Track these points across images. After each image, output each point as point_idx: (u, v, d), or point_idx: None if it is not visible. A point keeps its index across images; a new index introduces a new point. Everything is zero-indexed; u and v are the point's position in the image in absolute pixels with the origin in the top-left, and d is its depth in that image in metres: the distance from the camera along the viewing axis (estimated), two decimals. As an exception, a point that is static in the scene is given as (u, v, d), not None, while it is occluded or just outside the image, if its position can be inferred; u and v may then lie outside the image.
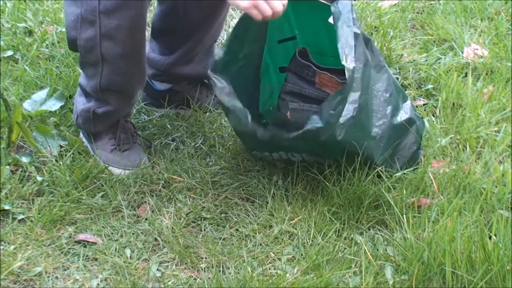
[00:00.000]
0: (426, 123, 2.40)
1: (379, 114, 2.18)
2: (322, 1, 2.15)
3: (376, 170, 2.18)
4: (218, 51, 2.21)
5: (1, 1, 3.16)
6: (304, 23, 2.36)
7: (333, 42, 2.13)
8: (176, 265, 1.99)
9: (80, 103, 2.32)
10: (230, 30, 2.48)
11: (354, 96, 2.07)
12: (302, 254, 2.01)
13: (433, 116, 2.56)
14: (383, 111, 2.19)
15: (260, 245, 2.05)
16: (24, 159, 2.27)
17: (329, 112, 2.06)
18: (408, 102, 2.30)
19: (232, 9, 2.92)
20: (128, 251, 2.02)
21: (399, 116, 2.23)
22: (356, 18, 2.12)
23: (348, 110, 2.07)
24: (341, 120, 2.06)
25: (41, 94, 2.52)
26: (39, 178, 2.20)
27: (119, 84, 2.24)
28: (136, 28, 2.14)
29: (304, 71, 2.25)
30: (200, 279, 1.93)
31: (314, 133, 2.07)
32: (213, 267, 1.96)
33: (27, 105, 2.47)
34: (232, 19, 3.08)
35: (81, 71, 2.30)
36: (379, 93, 2.19)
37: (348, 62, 2.05)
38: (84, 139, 2.38)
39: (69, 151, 2.31)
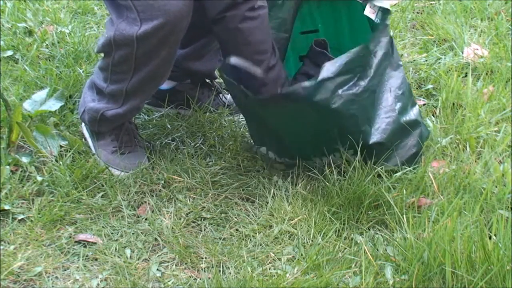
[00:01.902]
0: (431, 133, 2.39)
1: (388, 107, 2.22)
2: None
3: (376, 170, 2.18)
4: None
5: (1, 1, 3.16)
6: (327, 19, 2.42)
7: (353, 42, 2.20)
8: (176, 265, 1.99)
9: (89, 98, 2.31)
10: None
11: (364, 78, 2.14)
12: (302, 254, 2.01)
13: (433, 116, 2.56)
14: (392, 106, 2.22)
15: (260, 245, 2.05)
16: (24, 159, 2.27)
17: (329, 73, 2.09)
18: (416, 107, 2.33)
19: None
20: (128, 251, 2.01)
21: (406, 116, 2.26)
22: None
23: (353, 86, 2.12)
24: (341, 91, 2.10)
25: (41, 94, 2.52)
26: (39, 178, 2.20)
27: (147, 87, 2.23)
28: (176, 42, 2.12)
29: (320, 57, 2.28)
30: (200, 279, 1.93)
31: (308, 91, 2.09)
32: (213, 267, 1.96)
33: (27, 105, 2.47)
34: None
35: (98, 71, 2.26)
36: (392, 88, 2.24)
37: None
38: (85, 132, 2.38)
39: (69, 151, 2.31)
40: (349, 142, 2.16)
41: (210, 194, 2.21)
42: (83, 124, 2.38)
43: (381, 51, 2.18)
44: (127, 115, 2.29)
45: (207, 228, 2.11)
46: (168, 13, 2.03)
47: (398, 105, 2.24)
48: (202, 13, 2.14)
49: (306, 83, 2.10)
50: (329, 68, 2.11)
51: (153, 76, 2.18)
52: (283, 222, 2.11)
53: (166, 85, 2.55)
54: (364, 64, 2.15)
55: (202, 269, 1.96)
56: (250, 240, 2.07)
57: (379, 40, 2.19)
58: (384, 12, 2.22)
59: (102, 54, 2.21)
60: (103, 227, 2.09)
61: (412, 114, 2.29)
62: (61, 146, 2.34)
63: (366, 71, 2.16)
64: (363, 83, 2.14)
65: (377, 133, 2.19)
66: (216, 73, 2.62)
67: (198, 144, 2.41)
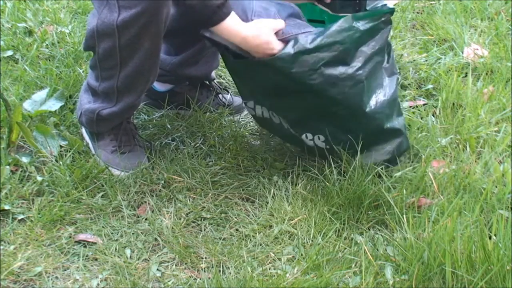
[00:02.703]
0: (410, 147, 2.32)
1: (373, 107, 2.18)
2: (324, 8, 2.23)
3: (376, 170, 2.18)
4: None
5: (1, 1, 3.16)
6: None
7: None
8: (176, 265, 1.99)
9: (85, 100, 2.31)
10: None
11: (350, 64, 2.11)
12: (302, 254, 2.01)
13: (433, 116, 2.56)
14: (379, 107, 2.18)
15: (260, 245, 2.05)
16: (24, 159, 2.27)
17: (307, 45, 2.07)
18: (402, 118, 2.27)
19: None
20: (128, 251, 2.02)
21: (391, 123, 2.21)
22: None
23: (334, 66, 2.09)
24: (321, 68, 2.08)
25: (41, 94, 2.52)
26: (39, 178, 2.20)
27: (137, 83, 2.23)
28: (157, 32, 2.12)
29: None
30: (200, 279, 1.93)
31: (285, 63, 2.07)
32: (213, 267, 1.96)
33: (27, 105, 2.47)
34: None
35: (90, 71, 2.27)
36: (383, 91, 2.20)
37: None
38: (85, 135, 2.38)
39: (69, 151, 2.31)
40: (329, 126, 2.16)
41: (210, 194, 2.21)
42: (83, 127, 2.39)
43: (376, 45, 2.14)
44: (123, 114, 2.29)
45: (207, 228, 2.11)
46: (146, 1, 2.05)
47: (386, 109, 2.19)
48: (190, 19, 2.15)
49: (283, 54, 2.08)
50: (306, 38, 2.08)
51: (140, 71, 2.19)
52: (283, 222, 2.11)
53: (164, 88, 2.55)
54: (345, 42, 2.10)
55: (202, 269, 1.97)
56: (250, 240, 2.07)
57: (372, 26, 2.13)
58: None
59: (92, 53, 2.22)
60: (103, 227, 2.09)
61: (397, 123, 2.23)
62: (61, 146, 2.34)
63: (351, 55, 2.11)
64: (349, 69, 2.10)
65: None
66: (213, 74, 2.62)
67: (198, 144, 2.41)
